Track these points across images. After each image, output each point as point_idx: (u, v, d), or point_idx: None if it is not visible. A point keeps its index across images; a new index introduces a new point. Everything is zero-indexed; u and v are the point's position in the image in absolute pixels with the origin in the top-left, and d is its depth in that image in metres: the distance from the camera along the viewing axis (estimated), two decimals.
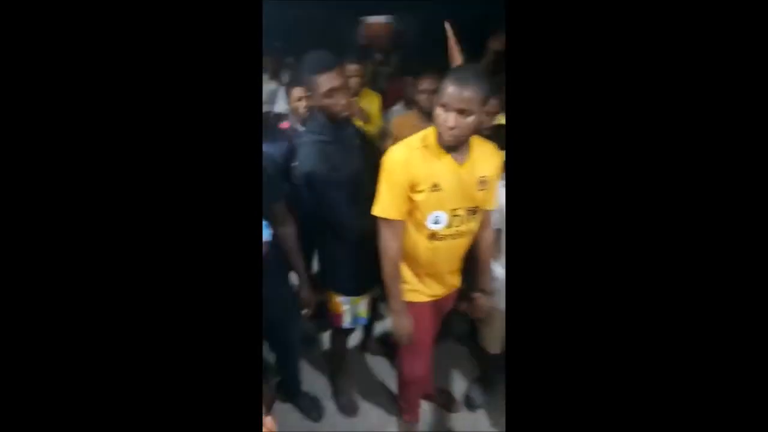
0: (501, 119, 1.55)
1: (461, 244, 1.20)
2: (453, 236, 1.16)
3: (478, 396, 1.69)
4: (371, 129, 1.90)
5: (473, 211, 1.16)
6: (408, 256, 1.21)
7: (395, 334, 1.28)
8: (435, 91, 1.62)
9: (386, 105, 2.12)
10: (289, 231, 1.31)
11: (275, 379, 1.62)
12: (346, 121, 1.29)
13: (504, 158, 1.20)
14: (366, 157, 1.37)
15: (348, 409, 1.67)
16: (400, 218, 1.14)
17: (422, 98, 1.63)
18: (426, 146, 1.10)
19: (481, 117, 1.06)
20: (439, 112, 1.03)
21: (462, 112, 0.99)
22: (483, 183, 1.14)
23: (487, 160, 1.15)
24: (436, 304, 1.32)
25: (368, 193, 1.34)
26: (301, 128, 1.74)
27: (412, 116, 1.77)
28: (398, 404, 1.57)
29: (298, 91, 1.68)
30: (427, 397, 1.68)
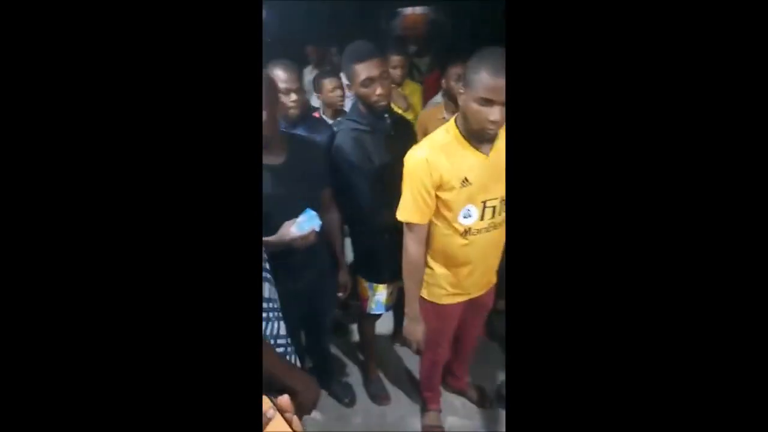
0: None
1: (497, 237, 1.17)
2: (487, 229, 1.13)
3: None
4: (411, 118, 1.90)
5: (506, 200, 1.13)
6: (443, 258, 1.18)
7: (406, 339, 1.29)
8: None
9: (425, 97, 2.11)
10: (334, 217, 1.34)
11: (308, 364, 1.66)
12: (384, 111, 1.30)
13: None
14: (401, 147, 1.37)
15: (380, 398, 1.69)
16: (424, 222, 1.12)
17: (455, 86, 1.61)
18: (450, 142, 1.05)
19: None
20: (474, 105, 0.95)
21: (502, 103, 0.93)
22: None
23: None
24: (474, 302, 1.31)
25: (398, 184, 1.35)
26: (330, 120, 1.77)
27: (437, 109, 1.75)
28: (421, 394, 1.58)
29: (330, 82, 1.70)
30: (461, 392, 1.68)
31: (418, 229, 1.13)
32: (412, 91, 2.09)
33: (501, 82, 0.90)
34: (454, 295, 1.24)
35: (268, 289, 0.94)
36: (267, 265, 0.96)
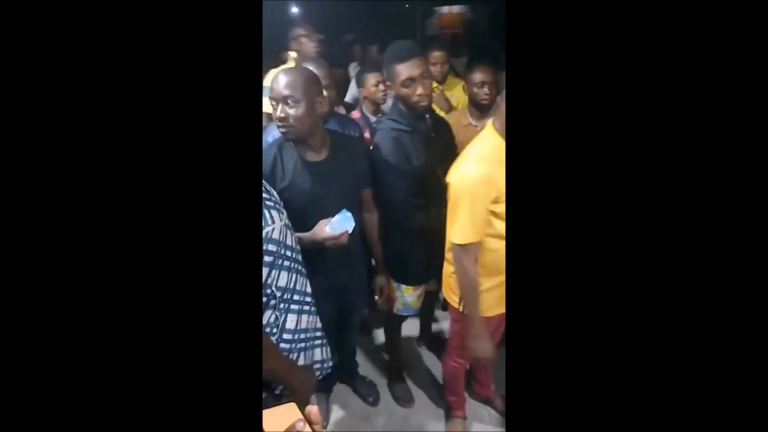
0: None
1: None
2: None
3: None
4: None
5: None
6: (493, 272, 1.13)
7: (476, 357, 1.20)
8: (490, 83, 1.53)
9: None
10: (374, 218, 1.33)
11: (334, 360, 1.67)
12: (425, 112, 1.28)
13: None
14: (441, 149, 1.35)
15: (404, 400, 1.68)
16: (480, 240, 1.07)
17: (478, 92, 1.55)
18: (496, 150, 1.01)
19: None
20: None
21: None
22: None
23: None
24: None
25: (436, 186, 1.32)
26: (372, 117, 1.76)
27: (460, 115, 1.69)
28: (446, 401, 1.56)
29: (374, 77, 1.70)
30: (487, 401, 1.65)
31: (474, 248, 1.09)
32: (455, 89, 2.05)
33: None
34: (499, 307, 1.20)
35: (301, 283, 0.95)
36: (301, 258, 0.97)
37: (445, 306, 1.87)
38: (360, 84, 1.77)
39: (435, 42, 2.38)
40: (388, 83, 1.29)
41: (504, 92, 0.95)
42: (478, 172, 1.02)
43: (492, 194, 1.01)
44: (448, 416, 1.57)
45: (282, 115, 1.04)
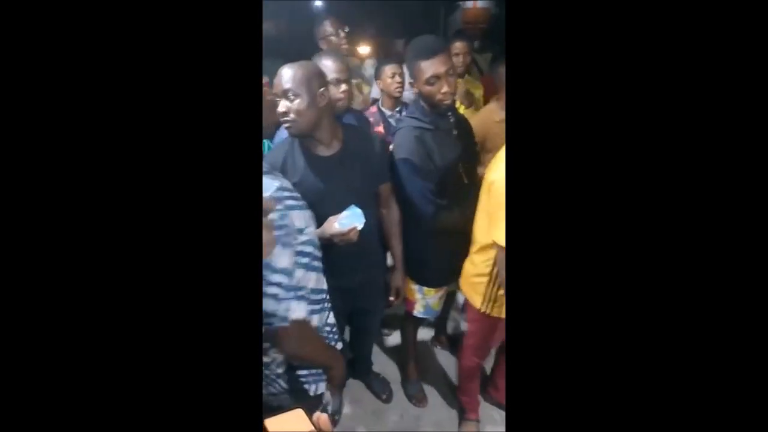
0: None
1: None
2: None
3: None
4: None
5: None
6: None
7: None
8: None
9: (485, 96, 2.04)
10: (393, 214, 1.29)
11: (348, 355, 1.68)
12: (449, 109, 1.26)
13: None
14: (463, 148, 1.32)
15: (417, 399, 1.68)
16: None
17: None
18: None
19: None
20: None
21: None
22: None
23: None
24: None
25: (458, 186, 1.29)
26: (388, 112, 1.74)
27: (491, 111, 1.65)
28: (460, 402, 1.55)
29: (390, 68, 1.67)
30: (502, 405, 1.63)
31: None
32: (474, 86, 2.02)
33: None
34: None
35: (317, 280, 0.95)
36: (318, 254, 0.97)
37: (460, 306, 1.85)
38: (377, 76, 1.75)
39: (459, 36, 2.34)
40: (410, 81, 1.26)
41: None
42: None
43: None
44: (462, 418, 1.56)
45: (283, 109, 1.03)
